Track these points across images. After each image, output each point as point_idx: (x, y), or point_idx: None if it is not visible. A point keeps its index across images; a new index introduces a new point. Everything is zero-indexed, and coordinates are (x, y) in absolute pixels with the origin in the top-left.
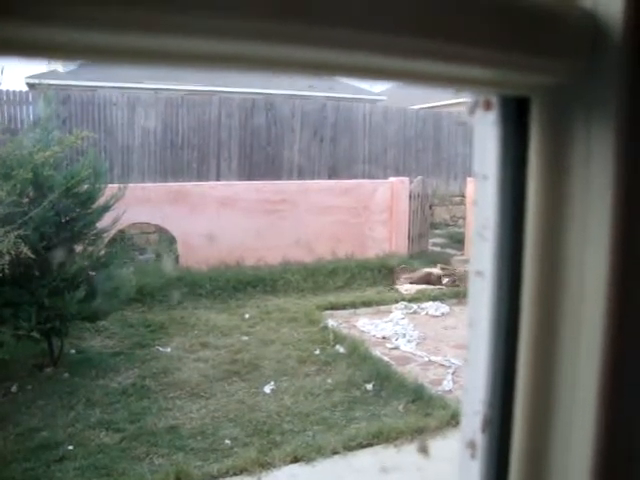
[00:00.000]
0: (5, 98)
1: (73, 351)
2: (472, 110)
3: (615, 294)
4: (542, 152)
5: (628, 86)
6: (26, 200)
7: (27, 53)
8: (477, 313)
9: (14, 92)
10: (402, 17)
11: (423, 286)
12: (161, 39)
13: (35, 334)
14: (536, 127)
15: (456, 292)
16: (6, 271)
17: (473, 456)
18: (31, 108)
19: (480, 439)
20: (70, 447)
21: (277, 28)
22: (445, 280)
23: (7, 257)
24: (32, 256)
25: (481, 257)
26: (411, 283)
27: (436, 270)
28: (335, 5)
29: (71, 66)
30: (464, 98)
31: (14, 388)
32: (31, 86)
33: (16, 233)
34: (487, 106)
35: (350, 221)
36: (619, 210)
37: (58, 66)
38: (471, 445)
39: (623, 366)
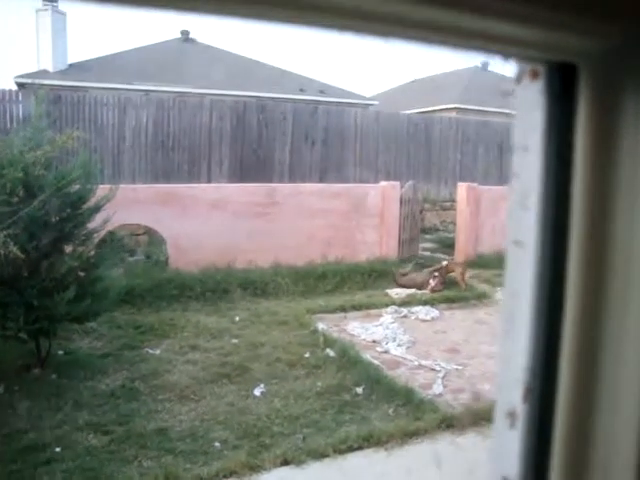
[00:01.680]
0: None
1: (61, 352)
2: (518, 79)
3: None
4: (589, 122)
5: None
6: (16, 199)
7: None
8: (517, 282)
9: (3, 91)
10: None
11: (413, 290)
12: None
13: (23, 335)
14: (583, 96)
15: (446, 297)
16: None
17: (512, 425)
18: (21, 107)
19: (521, 408)
20: (57, 449)
21: None
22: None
23: None
24: (21, 256)
25: (521, 227)
26: (408, 287)
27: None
28: None
29: (61, 66)
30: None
31: (0, 389)
32: (21, 85)
33: (5, 232)
34: (534, 75)
35: (341, 225)
36: None
37: (48, 66)
38: (510, 415)
39: None
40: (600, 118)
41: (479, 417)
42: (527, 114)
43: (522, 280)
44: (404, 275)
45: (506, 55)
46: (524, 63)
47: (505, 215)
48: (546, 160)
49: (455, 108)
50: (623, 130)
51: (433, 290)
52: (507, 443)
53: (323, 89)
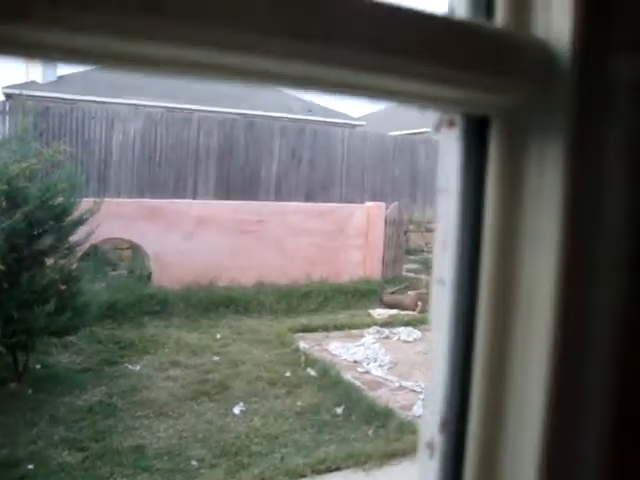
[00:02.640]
0: None
1: (39, 366)
2: (437, 128)
3: (563, 298)
4: (499, 167)
5: (576, 111)
6: None
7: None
8: (438, 319)
9: None
10: (370, 35)
11: (395, 311)
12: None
13: (0, 348)
14: (494, 144)
15: (427, 318)
16: None
17: (431, 456)
18: (8, 118)
19: (438, 439)
20: (30, 466)
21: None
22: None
23: None
24: (1, 267)
25: (442, 266)
26: (394, 307)
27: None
28: (308, 21)
29: (50, 77)
30: (428, 117)
31: None
32: (8, 96)
33: None
34: (450, 124)
35: (325, 244)
36: (567, 221)
37: (37, 77)
38: (429, 445)
39: (571, 371)
40: (509, 165)
41: None
42: (446, 158)
43: (442, 316)
44: (391, 294)
45: (423, 108)
46: (442, 113)
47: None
48: (462, 202)
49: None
50: (527, 177)
51: (422, 311)
52: (427, 473)
53: (311, 108)
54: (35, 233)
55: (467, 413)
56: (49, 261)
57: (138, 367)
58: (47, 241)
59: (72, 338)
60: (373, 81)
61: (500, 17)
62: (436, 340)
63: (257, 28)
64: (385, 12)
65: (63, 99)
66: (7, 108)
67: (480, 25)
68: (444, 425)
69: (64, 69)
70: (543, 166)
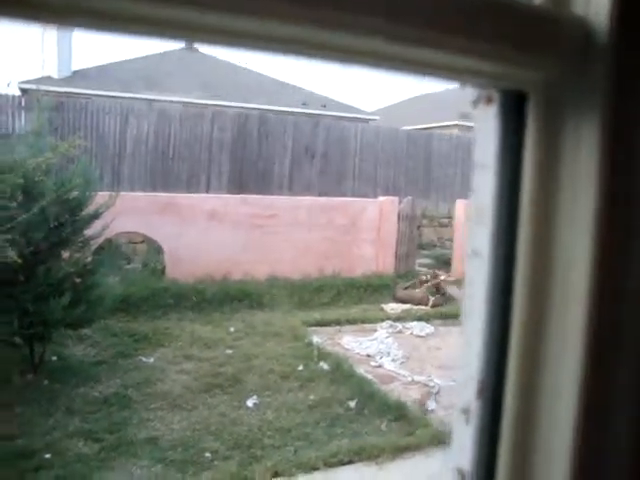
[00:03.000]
0: None
1: (55, 358)
2: (475, 104)
3: (598, 273)
4: (536, 143)
5: (613, 87)
6: (15, 204)
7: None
8: (473, 288)
9: (7, 96)
10: (405, 6)
11: (408, 306)
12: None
13: (17, 339)
14: (532, 120)
15: (441, 312)
16: None
17: (467, 421)
18: (23, 113)
19: (474, 405)
20: (47, 456)
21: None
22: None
23: None
24: (19, 261)
25: (478, 239)
26: (407, 302)
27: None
28: None
29: (65, 73)
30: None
31: None
32: (24, 91)
33: (3, 237)
34: (488, 100)
35: (338, 239)
36: (603, 196)
37: (52, 72)
38: (465, 411)
39: (605, 342)
40: (546, 140)
41: None
42: (483, 135)
43: (478, 286)
44: (404, 289)
45: (463, 82)
46: (480, 90)
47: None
48: (499, 178)
49: (456, 125)
50: (564, 152)
51: (434, 305)
52: (462, 438)
53: (325, 103)
54: (51, 226)
55: (504, 381)
56: (64, 254)
57: (152, 360)
58: (62, 235)
59: (87, 331)
60: (414, 54)
61: None
62: (471, 309)
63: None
64: None
65: (78, 94)
66: (23, 103)
67: (518, 2)
68: (481, 392)
69: (79, 64)
70: (579, 141)
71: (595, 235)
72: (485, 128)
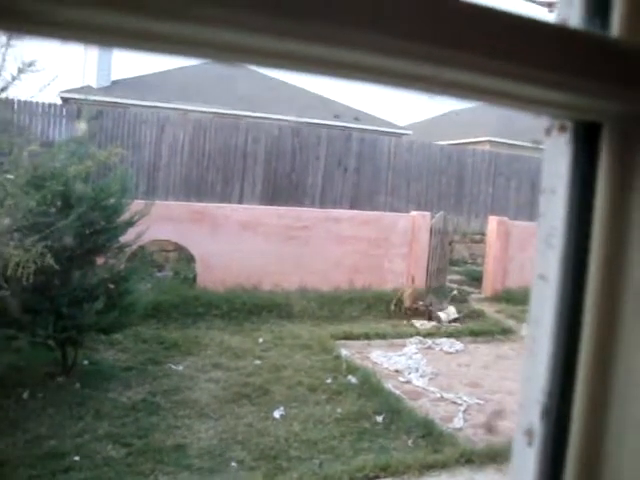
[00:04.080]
0: (40, 110)
1: (86, 362)
2: (548, 132)
3: None
4: (610, 174)
5: None
6: (54, 210)
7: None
8: (540, 312)
9: (48, 105)
10: (488, 42)
11: (437, 322)
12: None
13: (51, 342)
14: (606, 151)
15: (471, 330)
16: (30, 279)
17: (530, 443)
18: (64, 122)
19: (538, 427)
20: (76, 458)
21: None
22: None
23: (33, 266)
24: (56, 266)
25: (546, 263)
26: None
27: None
28: (426, 25)
29: (104, 82)
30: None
31: (25, 395)
32: (65, 100)
33: (43, 244)
34: (562, 129)
35: (369, 252)
36: None
37: (92, 82)
38: (528, 433)
39: None
40: (620, 172)
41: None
42: (554, 161)
43: (544, 310)
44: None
45: (537, 113)
46: (553, 119)
47: (534, 251)
48: (570, 204)
49: (488, 141)
50: (638, 183)
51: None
52: (524, 459)
53: (358, 116)
54: (87, 233)
55: (570, 403)
56: (99, 260)
57: (181, 367)
58: (98, 241)
59: (118, 336)
60: (491, 84)
61: (616, 26)
62: (537, 331)
63: (396, 31)
64: (500, 19)
65: (116, 103)
66: (64, 112)
67: (594, 33)
68: (545, 413)
69: (118, 74)
70: None
71: None
72: (556, 155)
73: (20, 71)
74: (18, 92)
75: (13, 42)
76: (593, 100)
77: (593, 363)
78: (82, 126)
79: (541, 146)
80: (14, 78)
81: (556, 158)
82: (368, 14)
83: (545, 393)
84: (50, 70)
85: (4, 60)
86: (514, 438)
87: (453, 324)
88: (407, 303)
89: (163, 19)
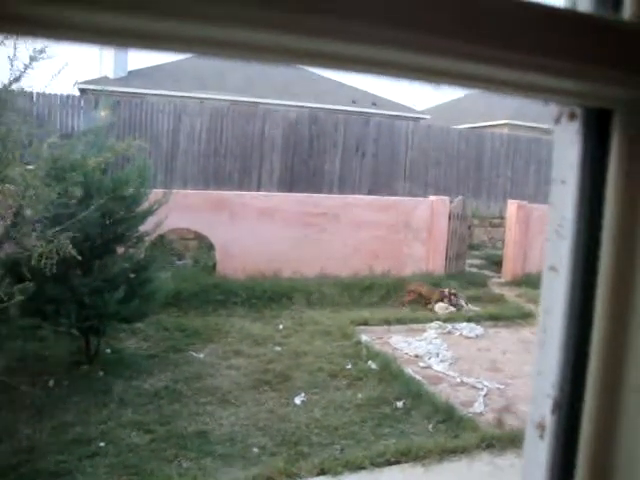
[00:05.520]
0: (58, 102)
1: (109, 350)
2: (557, 119)
3: None
4: (621, 162)
5: None
6: (74, 202)
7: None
8: (551, 303)
9: (66, 96)
10: (489, 29)
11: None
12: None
13: (74, 331)
14: (617, 138)
15: (490, 314)
16: (53, 269)
17: (541, 437)
18: (82, 112)
19: (549, 420)
20: (102, 444)
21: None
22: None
23: (55, 257)
24: (78, 257)
25: (556, 254)
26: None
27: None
28: (430, 15)
29: (121, 73)
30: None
31: (51, 383)
32: (82, 91)
33: (66, 234)
34: (571, 117)
35: (388, 238)
36: None
37: (109, 72)
38: (540, 426)
39: None
40: (631, 159)
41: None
42: (564, 150)
43: (555, 302)
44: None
45: (546, 100)
46: (563, 106)
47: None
48: (581, 193)
49: (507, 124)
50: None
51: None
52: (536, 452)
53: (375, 101)
54: (107, 223)
55: (582, 396)
56: (119, 250)
57: (202, 355)
58: (118, 230)
59: (140, 325)
60: (499, 74)
61: (627, 8)
62: (548, 324)
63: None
64: (511, 7)
65: (133, 93)
66: (82, 103)
67: (605, 18)
68: (557, 406)
69: (134, 64)
70: None
71: None
72: (566, 143)
73: (32, 59)
74: (35, 84)
75: None
76: (603, 86)
77: (605, 356)
78: (100, 117)
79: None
80: (26, 67)
81: (566, 147)
82: (382, 8)
83: (556, 387)
84: (63, 57)
85: (15, 49)
86: (526, 431)
87: (473, 308)
88: (424, 291)
89: (167, 19)
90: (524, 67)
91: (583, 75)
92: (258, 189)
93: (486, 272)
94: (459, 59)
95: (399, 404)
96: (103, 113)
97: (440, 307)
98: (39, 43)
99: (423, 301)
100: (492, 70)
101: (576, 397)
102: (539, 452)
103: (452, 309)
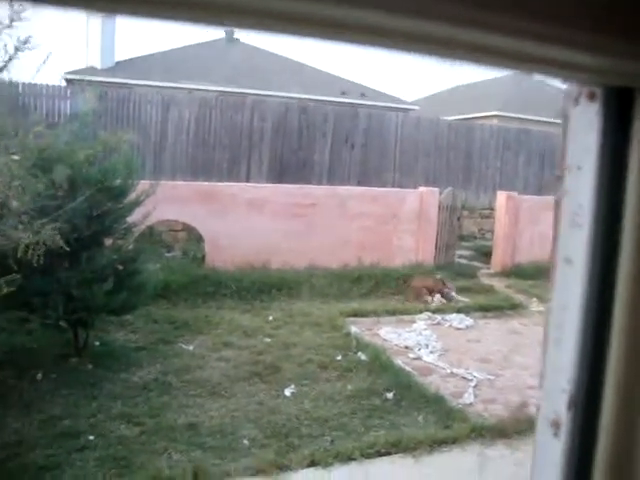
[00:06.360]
0: (44, 92)
1: (97, 343)
2: (576, 100)
3: None
4: None
5: None
6: (61, 193)
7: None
8: (565, 297)
9: (53, 86)
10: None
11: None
12: None
13: (62, 324)
14: (639, 120)
15: (480, 305)
16: (40, 261)
17: (556, 434)
18: (69, 103)
19: (565, 417)
20: (91, 437)
21: None
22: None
23: (42, 248)
24: (65, 248)
25: (571, 244)
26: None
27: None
28: None
29: (108, 63)
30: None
31: (39, 376)
32: (69, 81)
33: (52, 226)
34: (591, 97)
35: (378, 229)
36: None
37: (96, 63)
38: (555, 424)
39: None
40: None
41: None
42: (582, 134)
43: (570, 295)
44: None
45: (564, 78)
46: (581, 85)
47: (544, 226)
48: (600, 180)
49: (496, 116)
50: None
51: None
52: (550, 451)
53: (364, 92)
54: (94, 214)
55: (599, 393)
56: (107, 241)
57: (192, 347)
58: (105, 222)
59: (128, 317)
60: (514, 46)
61: None
62: (562, 318)
63: None
64: None
65: (120, 84)
66: (68, 93)
67: None
68: (573, 402)
69: (122, 55)
70: None
71: None
72: (584, 126)
73: (17, 49)
74: (22, 74)
75: (15, 24)
76: (624, 61)
77: (624, 351)
78: (86, 108)
79: (558, 120)
80: (11, 57)
81: (584, 130)
82: None
83: (572, 382)
84: (48, 47)
85: (3, 41)
86: (538, 428)
87: (462, 299)
88: (415, 281)
89: None
90: (542, 38)
91: (604, 49)
92: (247, 180)
93: (475, 263)
94: (475, 29)
95: (389, 395)
96: (89, 103)
97: (431, 298)
98: (23, 33)
99: (423, 293)
100: (508, 42)
101: (594, 394)
102: (553, 451)
103: (443, 300)
